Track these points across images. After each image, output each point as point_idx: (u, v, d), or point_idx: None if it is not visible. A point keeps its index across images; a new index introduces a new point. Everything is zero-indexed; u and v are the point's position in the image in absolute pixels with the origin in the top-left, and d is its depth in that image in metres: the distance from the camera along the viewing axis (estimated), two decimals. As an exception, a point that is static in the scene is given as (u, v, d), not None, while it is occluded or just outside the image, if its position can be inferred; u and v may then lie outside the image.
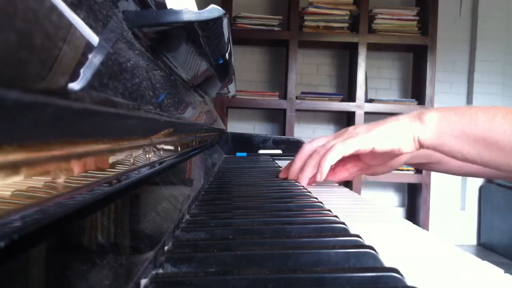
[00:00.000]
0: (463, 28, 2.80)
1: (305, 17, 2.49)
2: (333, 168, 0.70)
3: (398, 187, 2.85)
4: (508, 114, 0.54)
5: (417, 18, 2.54)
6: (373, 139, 0.61)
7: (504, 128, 0.54)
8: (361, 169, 0.70)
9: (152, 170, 0.32)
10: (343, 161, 0.69)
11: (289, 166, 0.70)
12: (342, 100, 2.56)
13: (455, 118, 0.57)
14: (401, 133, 0.60)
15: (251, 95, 2.51)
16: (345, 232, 0.33)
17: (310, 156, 0.65)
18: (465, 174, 0.79)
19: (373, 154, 0.63)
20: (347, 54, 2.75)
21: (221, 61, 0.62)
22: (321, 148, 0.64)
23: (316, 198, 0.47)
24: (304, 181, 0.65)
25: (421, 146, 0.60)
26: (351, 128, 0.65)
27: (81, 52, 0.17)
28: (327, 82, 2.81)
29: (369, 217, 0.47)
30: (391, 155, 0.62)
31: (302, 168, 0.66)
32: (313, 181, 0.71)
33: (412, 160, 0.75)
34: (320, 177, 0.62)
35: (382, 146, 0.60)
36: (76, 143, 0.17)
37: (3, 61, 0.10)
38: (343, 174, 0.70)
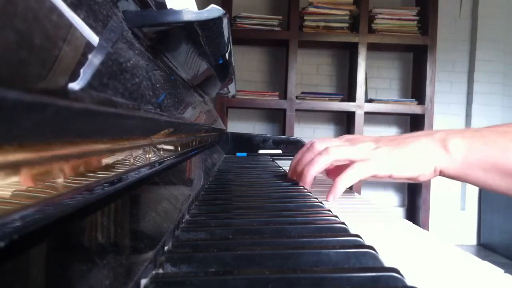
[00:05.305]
0: (463, 28, 2.80)
1: (305, 17, 2.49)
2: (339, 168, 0.68)
3: (398, 187, 2.85)
4: None
5: (417, 18, 2.54)
6: (392, 165, 0.58)
7: None
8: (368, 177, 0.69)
9: (152, 170, 0.32)
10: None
11: (294, 165, 0.66)
12: (342, 100, 2.56)
13: (485, 149, 0.53)
14: (422, 161, 0.57)
15: (251, 95, 2.51)
16: (345, 232, 0.33)
17: (320, 153, 0.61)
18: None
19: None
20: (347, 54, 2.75)
21: (221, 61, 0.62)
22: (337, 161, 0.60)
23: (316, 198, 0.47)
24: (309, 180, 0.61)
25: (442, 175, 0.57)
26: (371, 143, 0.60)
27: (81, 52, 0.17)
28: (327, 82, 2.81)
29: (369, 217, 0.47)
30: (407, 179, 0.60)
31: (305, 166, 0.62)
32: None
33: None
34: (333, 198, 0.57)
35: (400, 173, 0.58)
36: (76, 143, 0.17)
37: (3, 61, 0.10)
38: None
